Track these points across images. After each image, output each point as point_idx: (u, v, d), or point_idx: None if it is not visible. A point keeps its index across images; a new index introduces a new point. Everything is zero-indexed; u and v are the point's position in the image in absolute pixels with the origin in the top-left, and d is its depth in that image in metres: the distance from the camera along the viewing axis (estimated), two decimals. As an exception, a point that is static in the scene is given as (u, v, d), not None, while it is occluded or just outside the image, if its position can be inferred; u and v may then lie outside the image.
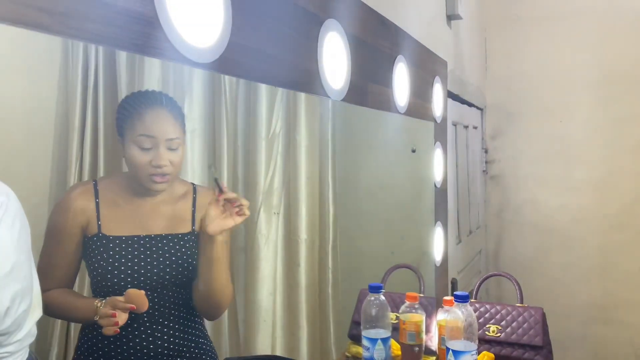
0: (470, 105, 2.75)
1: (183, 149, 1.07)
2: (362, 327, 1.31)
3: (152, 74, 1.05)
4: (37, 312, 0.72)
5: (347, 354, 1.50)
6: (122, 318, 0.95)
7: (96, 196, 1.02)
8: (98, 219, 1.01)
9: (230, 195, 1.00)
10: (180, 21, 0.65)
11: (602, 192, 2.87)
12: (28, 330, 0.68)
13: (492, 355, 1.42)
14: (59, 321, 1.00)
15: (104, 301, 0.96)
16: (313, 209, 1.55)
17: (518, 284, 1.63)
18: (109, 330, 0.94)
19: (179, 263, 1.08)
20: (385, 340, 1.29)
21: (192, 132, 1.10)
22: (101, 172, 1.02)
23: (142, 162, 1.01)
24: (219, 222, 1.02)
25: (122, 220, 1.05)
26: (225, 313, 1.23)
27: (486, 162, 3.17)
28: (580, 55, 2.91)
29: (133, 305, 0.95)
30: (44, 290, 0.95)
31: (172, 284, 1.08)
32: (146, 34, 0.60)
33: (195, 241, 1.12)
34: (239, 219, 1.02)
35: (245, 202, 1.02)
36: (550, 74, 2.99)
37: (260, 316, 1.36)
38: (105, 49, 0.89)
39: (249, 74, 0.83)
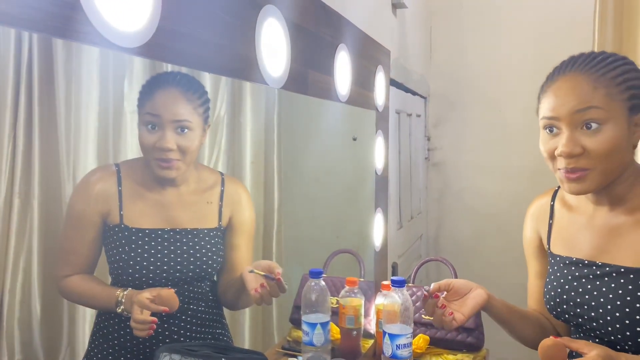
0: (414, 93, 2.80)
1: (199, 135, 1.03)
2: (302, 312, 1.33)
3: (91, 51, 1.01)
4: None
5: (289, 338, 1.52)
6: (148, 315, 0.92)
7: (119, 183, 0.97)
8: (120, 208, 0.97)
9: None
10: (103, 3, 0.61)
11: (536, 178, 2.99)
12: None
13: (428, 338, 1.48)
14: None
15: (125, 292, 0.93)
16: (258, 194, 1.54)
17: (454, 269, 1.70)
18: (143, 333, 0.92)
19: (203, 260, 1.06)
20: (324, 325, 1.31)
21: (132, 113, 1.07)
22: (36, 153, 0.97)
23: (147, 143, 0.98)
24: None
25: (146, 212, 1.01)
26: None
27: (428, 150, 3.24)
28: (520, 47, 3.00)
29: (166, 308, 0.92)
30: (64, 275, 0.94)
31: (194, 279, 1.06)
32: (66, 17, 0.56)
33: (221, 236, 1.11)
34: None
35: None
36: (491, 64, 3.08)
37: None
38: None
39: (181, 60, 0.80)
